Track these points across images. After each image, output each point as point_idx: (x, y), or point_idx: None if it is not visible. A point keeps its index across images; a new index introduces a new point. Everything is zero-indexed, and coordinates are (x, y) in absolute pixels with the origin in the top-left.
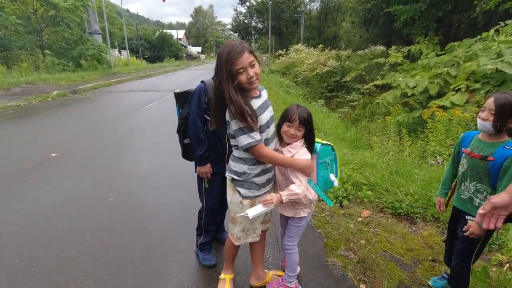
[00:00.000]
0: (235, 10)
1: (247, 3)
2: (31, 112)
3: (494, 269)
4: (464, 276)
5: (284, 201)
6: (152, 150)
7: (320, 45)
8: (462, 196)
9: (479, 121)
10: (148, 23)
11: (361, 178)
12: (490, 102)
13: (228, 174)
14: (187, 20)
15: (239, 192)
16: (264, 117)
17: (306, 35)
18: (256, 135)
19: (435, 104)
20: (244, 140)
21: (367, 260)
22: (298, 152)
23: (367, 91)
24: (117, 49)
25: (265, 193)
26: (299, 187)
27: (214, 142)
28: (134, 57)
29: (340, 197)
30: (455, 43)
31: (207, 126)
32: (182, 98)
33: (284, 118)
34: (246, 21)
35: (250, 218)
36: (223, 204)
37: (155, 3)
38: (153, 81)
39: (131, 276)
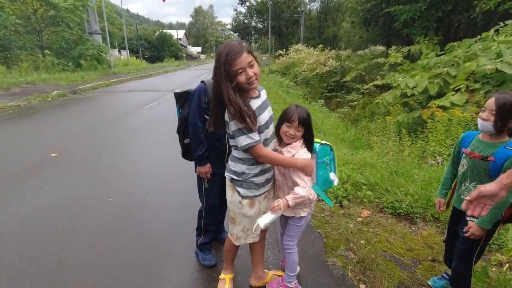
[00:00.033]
0: (235, 10)
1: (247, 3)
2: (31, 112)
3: (493, 269)
4: (465, 277)
5: (291, 205)
6: (152, 150)
7: (320, 45)
8: (462, 196)
9: (479, 121)
10: (148, 23)
11: (361, 178)
12: (491, 102)
13: (227, 174)
14: (187, 20)
15: (238, 192)
16: (263, 117)
17: (306, 35)
18: (255, 136)
19: (435, 104)
20: (243, 140)
21: (367, 260)
22: (298, 152)
23: (367, 91)
24: (117, 49)
25: (264, 192)
26: (304, 188)
27: (214, 142)
28: (134, 57)
29: (340, 197)
30: (455, 43)
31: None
32: (182, 98)
33: (284, 118)
34: (246, 21)
35: (262, 227)
36: (223, 204)
37: (155, 3)
38: (153, 81)
39: (131, 276)
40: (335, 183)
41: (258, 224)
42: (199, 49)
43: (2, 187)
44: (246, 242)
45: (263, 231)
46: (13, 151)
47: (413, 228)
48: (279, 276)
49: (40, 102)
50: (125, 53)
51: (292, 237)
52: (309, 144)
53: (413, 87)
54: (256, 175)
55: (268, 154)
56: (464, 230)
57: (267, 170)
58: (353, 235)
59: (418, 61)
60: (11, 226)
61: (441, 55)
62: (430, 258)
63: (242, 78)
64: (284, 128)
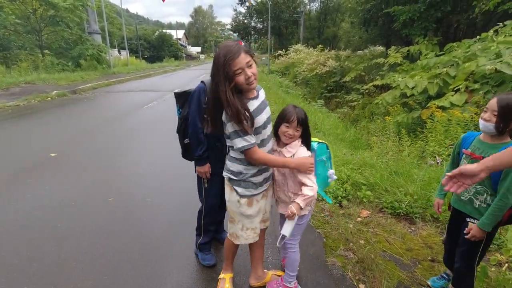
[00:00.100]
0: (235, 10)
1: (247, 3)
2: (30, 112)
3: (493, 269)
4: (467, 278)
5: (302, 207)
6: (152, 150)
7: (320, 46)
8: (462, 197)
9: (481, 122)
10: (147, 23)
11: (361, 178)
12: (493, 103)
13: (225, 174)
14: (186, 20)
15: (236, 191)
16: (261, 118)
17: (305, 35)
18: (251, 139)
19: (434, 104)
20: (239, 143)
21: (367, 260)
22: (298, 151)
23: (367, 91)
24: (116, 49)
25: (262, 191)
26: (311, 188)
27: (213, 142)
28: (134, 57)
29: (340, 197)
30: (454, 43)
31: None
32: (182, 98)
33: (282, 119)
34: (245, 21)
35: (288, 236)
36: (223, 204)
37: (155, 3)
38: (152, 81)
39: (131, 276)
40: (334, 177)
41: (283, 235)
42: (198, 49)
43: (2, 187)
44: (246, 242)
45: (263, 230)
46: (12, 151)
47: (413, 228)
48: (279, 276)
49: (40, 102)
50: (124, 53)
51: (293, 236)
52: (306, 143)
53: (413, 88)
54: (253, 175)
55: (262, 157)
56: (464, 231)
57: (264, 170)
58: (352, 235)
59: (418, 61)
60: (10, 226)
61: (440, 55)
62: (429, 258)
63: (241, 78)
64: (283, 128)
